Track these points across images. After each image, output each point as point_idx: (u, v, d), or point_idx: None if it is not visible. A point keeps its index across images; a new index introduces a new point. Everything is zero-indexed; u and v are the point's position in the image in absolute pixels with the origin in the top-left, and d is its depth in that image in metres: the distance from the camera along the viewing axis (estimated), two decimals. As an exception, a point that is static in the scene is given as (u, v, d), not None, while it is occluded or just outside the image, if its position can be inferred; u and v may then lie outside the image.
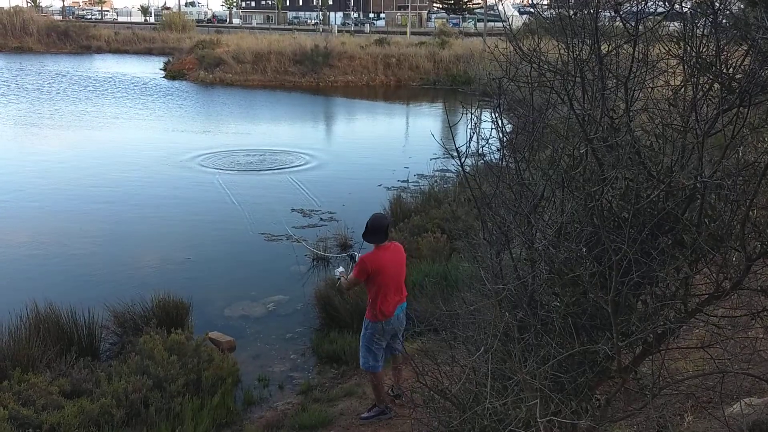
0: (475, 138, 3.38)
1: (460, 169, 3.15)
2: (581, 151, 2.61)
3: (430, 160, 15.66)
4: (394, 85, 35.40)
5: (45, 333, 6.60)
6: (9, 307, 7.05)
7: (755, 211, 2.46)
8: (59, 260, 10.09)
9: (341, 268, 5.84)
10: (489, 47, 3.40)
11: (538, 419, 1.97)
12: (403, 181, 14.82)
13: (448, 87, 32.76)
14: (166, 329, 6.82)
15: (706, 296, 2.62)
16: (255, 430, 5.66)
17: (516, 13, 21.06)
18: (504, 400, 2.29)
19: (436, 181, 14.22)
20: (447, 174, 14.75)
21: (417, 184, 14.66)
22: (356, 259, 5.69)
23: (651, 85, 2.67)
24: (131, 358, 6.36)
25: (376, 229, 5.42)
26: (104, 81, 31.78)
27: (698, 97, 2.46)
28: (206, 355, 6.49)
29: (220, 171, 15.63)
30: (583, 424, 2.33)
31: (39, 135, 19.57)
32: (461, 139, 3.33)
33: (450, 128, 3.41)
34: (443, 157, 14.27)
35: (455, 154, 3.14)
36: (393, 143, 20.24)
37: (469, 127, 3.49)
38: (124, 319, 7.42)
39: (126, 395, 5.71)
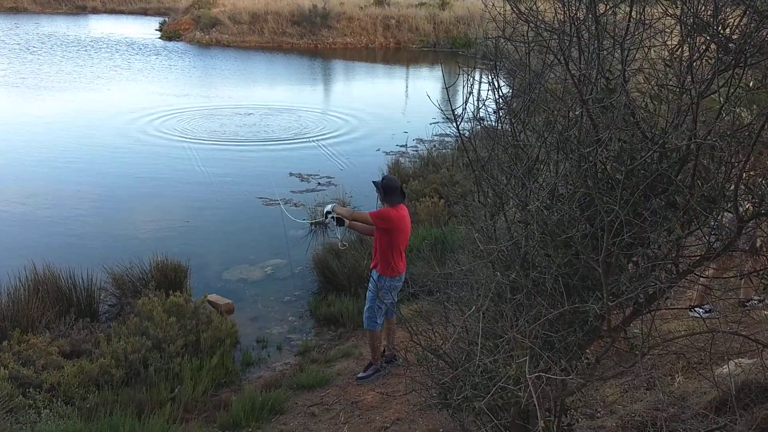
0: (472, 101, 3.35)
1: (456, 131, 3.13)
2: (576, 113, 2.60)
3: (429, 124, 15.57)
4: (394, 48, 34.94)
5: (44, 294, 6.66)
6: (7, 269, 7.10)
7: (747, 173, 2.46)
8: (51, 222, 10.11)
9: (331, 205, 5.84)
10: (487, 7, 3.34)
11: (527, 375, 2.01)
12: (401, 146, 14.76)
13: (448, 50, 32.34)
14: (164, 291, 6.89)
15: (698, 257, 2.64)
16: (253, 390, 5.75)
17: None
18: (494, 357, 2.33)
19: (434, 146, 14.17)
20: (446, 139, 14.67)
21: (415, 148, 14.61)
22: (332, 211, 5.76)
23: (647, 45, 2.65)
24: (130, 319, 6.44)
25: (395, 189, 5.62)
26: (98, 42, 31.28)
27: (694, 57, 2.44)
28: (205, 317, 6.57)
29: (218, 139, 15.49)
30: (572, 382, 2.37)
31: (22, 96, 19.26)
32: (459, 102, 3.31)
33: (446, 90, 3.37)
34: (442, 122, 14.19)
35: (452, 117, 3.12)
36: (392, 107, 20.09)
37: (466, 89, 3.46)
38: (122, 281, 7.48)
39: (125, 356, 5.80)
